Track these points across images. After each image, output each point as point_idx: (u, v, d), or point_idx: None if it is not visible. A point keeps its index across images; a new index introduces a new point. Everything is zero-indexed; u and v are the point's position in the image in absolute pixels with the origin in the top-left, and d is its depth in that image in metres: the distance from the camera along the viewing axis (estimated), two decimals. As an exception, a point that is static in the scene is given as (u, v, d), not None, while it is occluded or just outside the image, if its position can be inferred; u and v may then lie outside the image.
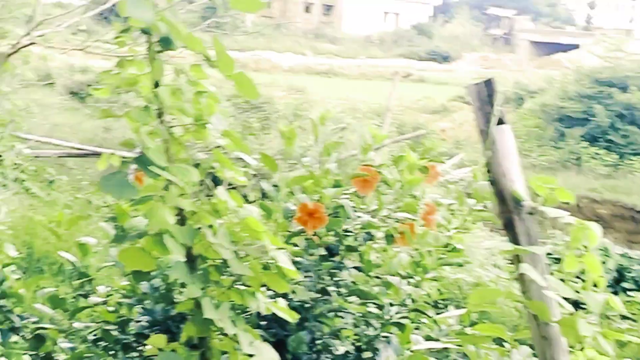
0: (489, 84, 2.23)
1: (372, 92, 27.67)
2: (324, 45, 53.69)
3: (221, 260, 2.28)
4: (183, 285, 2.76)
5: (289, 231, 2.95)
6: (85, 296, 2.96)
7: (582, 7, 79.15)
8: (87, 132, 15.65)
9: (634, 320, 7.48)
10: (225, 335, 2.34)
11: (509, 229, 2.24)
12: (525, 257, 2.17)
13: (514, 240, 2.22)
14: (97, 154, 9.89)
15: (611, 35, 30.98)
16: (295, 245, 2.99)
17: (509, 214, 2.23)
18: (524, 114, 24.13)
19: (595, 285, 2.11)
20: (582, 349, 2.09)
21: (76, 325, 2.94)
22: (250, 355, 2.22)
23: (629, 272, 13.21)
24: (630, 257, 14.04)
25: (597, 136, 22.38)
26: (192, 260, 2.29)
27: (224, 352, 2.46)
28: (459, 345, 2.76)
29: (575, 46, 46.79)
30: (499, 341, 3.86)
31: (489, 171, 2.26)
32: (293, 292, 2.84)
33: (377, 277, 3.03)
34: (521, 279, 2.20)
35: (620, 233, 17.57)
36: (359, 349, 2.86)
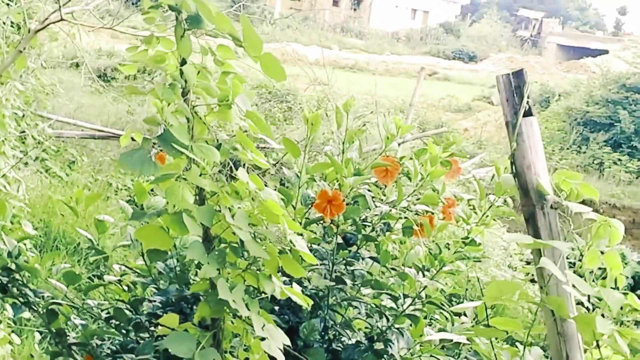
0: (519, 74, 2.20)
1: (397, 88, 27.64)
2: (351, 39, 53.64)
3: (238, 243, 2.28)
4: (198, 266, 2.77)
5: (307, 218, 2.94)
6: (100, 277, 2.96)
7: (612, 12, 78.54)
8: (111, 115, 15.68)
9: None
10: (238, 317, 2.33)
11: (531, 222, 2.21)
12: (546, 252, 2.14)
13: (535, 234, 2.19)
14: (119, 137, 9.92)
15: (640, 41, 30.74)
16: (313, 232, 2.98)
17: (531, 207, 2.21)
18: (548, 117, 23.99)
19: (614, 286, 2.09)
20: (597, 347, 2.06)
21: (89, 302, 2.95)
22: (263, 339, 2.21)
23: (646, 280, 13.14)
24: (648, 265, 13.97)
25: (620, 142, 22.22)
26: (209, 241, 2.29)
27: (236, 335, 2.45)
28: (471, 342, 2.74)
29: (604, 51, 46.37)
30: (512, 341, 3.84)
31: (513, 163, 2.23)
32: (308, 280, 2.83)
33: (393, 269, 3.02)
34: (540, 273, 2.17)
35: (638, 240, 17.45)
36: (370, 340, 2.85)
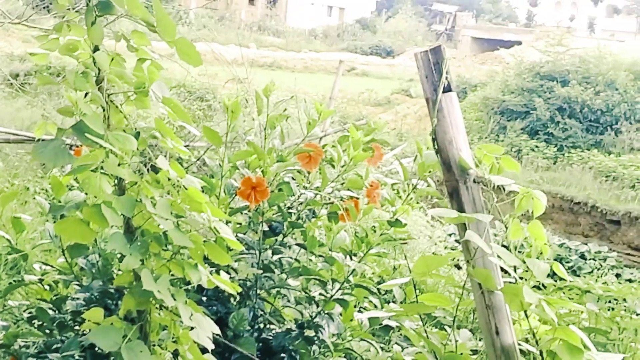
0: (437, 51, 2.20)
1: (315, 85, 27.65)
2: (268, 38, 53.49)
3: (162, 233, 2.23)
4: (121, 259, 2.70)
5: (231, 208, 2.90)
6: (21, 280, 2.88)
7: (524, 4, 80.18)
8: (26, 120, 15.28)
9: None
10: (165, 308, 2.28)
11: (454, 197, 2.22)
12: (471, 226, 2.15)
13: (459, 208, 2.19)
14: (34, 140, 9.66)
15: (552, 31, 31.38)
16: (238, 223, 2.94)
17: (454, 182, 2.21)
18: (465, 107, 24.27)
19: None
20: (526, 317, 2.08)
21: (10, 303, 2.86)
22: (191, 328, 2.17)
23: (567, 262, 13.48)
24: (568, 248, 14.36)
25: (537, 129, 22.60)
26: (131, 232, 2.23)
27: (164, 327, 2.40)
28: (401, 327, 2.74)
29: (517, 42, 47.28)
30: (440, 326, 3.86)
31: (435, 139, 2.23)
32: (235, 271, 2.79)
33: (321, 256, 3.00)
34: (465, 247, 2.18)
35: (559, 224, 17.80)
36: (301, 326, 2.83)
